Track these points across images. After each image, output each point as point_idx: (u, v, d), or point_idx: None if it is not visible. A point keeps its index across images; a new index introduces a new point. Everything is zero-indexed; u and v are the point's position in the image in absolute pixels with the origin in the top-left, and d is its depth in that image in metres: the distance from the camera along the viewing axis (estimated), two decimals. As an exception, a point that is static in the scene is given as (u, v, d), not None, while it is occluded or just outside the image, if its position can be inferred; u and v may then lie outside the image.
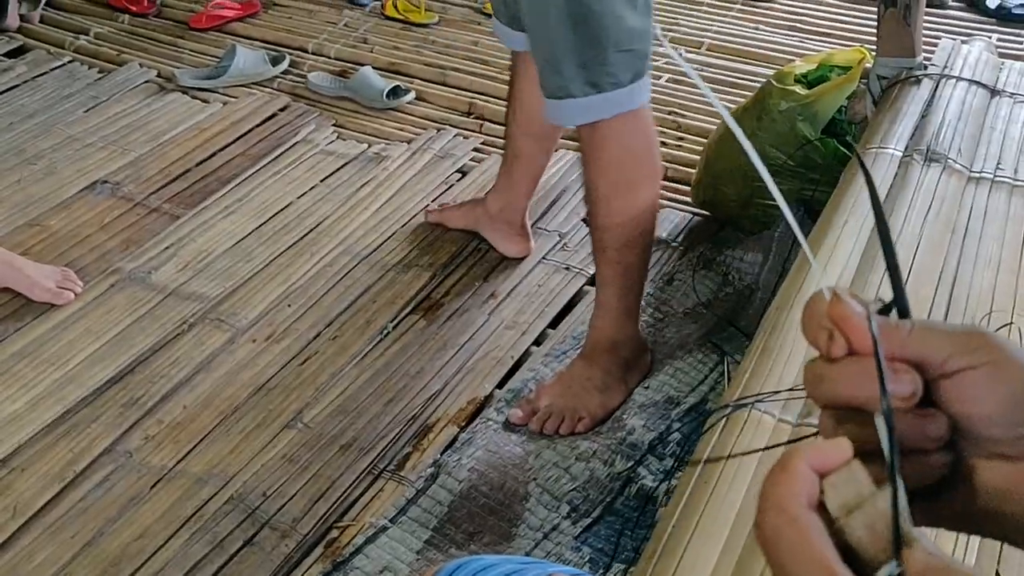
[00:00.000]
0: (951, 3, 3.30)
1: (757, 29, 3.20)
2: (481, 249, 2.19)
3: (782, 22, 3.24)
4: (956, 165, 1.68)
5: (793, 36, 3.15)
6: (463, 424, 1.78)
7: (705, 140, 2.41)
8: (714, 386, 1.80)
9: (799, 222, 2.20)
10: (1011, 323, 1.29)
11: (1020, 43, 3.02)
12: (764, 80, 2.21)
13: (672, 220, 2.28)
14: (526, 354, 1.94)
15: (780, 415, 1.15)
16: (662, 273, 2.12)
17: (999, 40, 2.97)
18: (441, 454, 1.71)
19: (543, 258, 2.17)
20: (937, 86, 1.92)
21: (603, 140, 1.62)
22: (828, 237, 1.50)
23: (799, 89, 2.10)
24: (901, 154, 1.72)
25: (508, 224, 2.15)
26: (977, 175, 1.66)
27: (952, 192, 1.60)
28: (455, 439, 1.74)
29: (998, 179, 1.65)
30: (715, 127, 2.35)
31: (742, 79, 2.86)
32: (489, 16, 3.38)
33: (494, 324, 2.01)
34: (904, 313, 0.44)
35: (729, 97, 2.74)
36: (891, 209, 1.55)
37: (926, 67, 2.00)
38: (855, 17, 3.23)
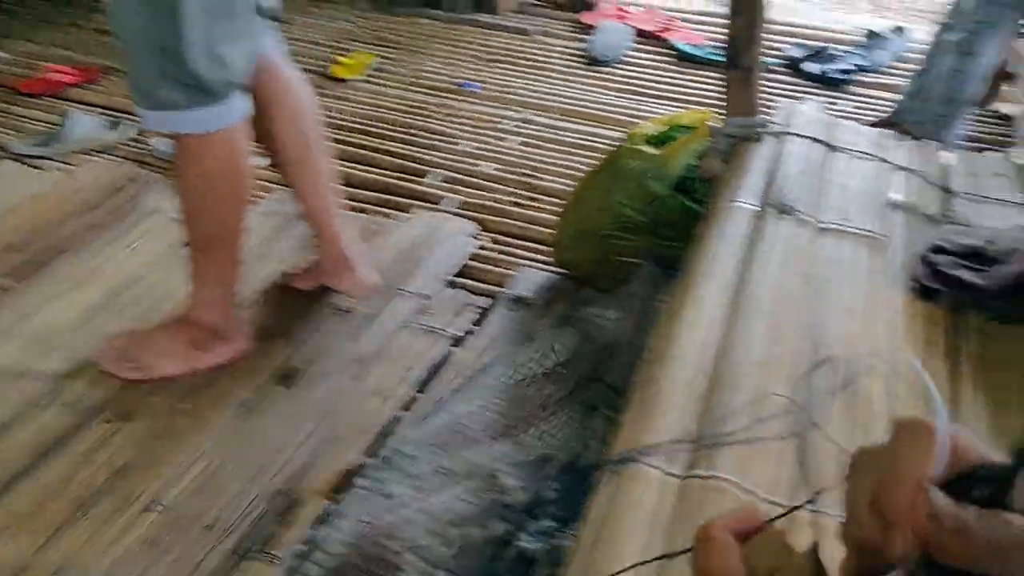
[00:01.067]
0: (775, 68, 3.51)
1: (604, 93, 3.33)
2: (342, 313, 2.15)
3: (624, 87, 3.42)
4: (805, 217, 1.76)
5: (636, 100, 3.31)
6: (333, 496, 1.72)
7: (559, 201, 2.45)
8: (587, 444, 1.81)
9: (655, 277, 2.22)
10: (871, 366, 1.34)
11: (837, 105, 3.24)
12: (616, 142, 2.27)
13: (532, 280, 2.29)
14: (394, 420, 1.90)
15: (667, 468, 1.15)
16: (522, 333, 2.12)
17: (821, 102, 3.18)
18: (312, 529, 1.65)
19: (407, 322, 2.15)
20: (780, 143, 2.02)
21: (182, 152, 1.79)
22: (693, 292, 1.54)
23: (648, 149, 2.17)
24: (754, 208, 1.79)
25: (332, 261, 2.16)
26: (825, 225, 1.74)
27: (804, 243, 1.68)
28: (326, 512, 1.68)
29: (844, 229, 1.73)
30: (571, 189, 2.40)
31: (595, 141, 2.97)
32: (336, 80, 3.37)
33: (359, 391, 1.96)
34: None
35: (583, 159, 2.81)
36: (751, 260, 1.60)
37: (766, 126, 2.10)
38: (690, 82, 3.43)
